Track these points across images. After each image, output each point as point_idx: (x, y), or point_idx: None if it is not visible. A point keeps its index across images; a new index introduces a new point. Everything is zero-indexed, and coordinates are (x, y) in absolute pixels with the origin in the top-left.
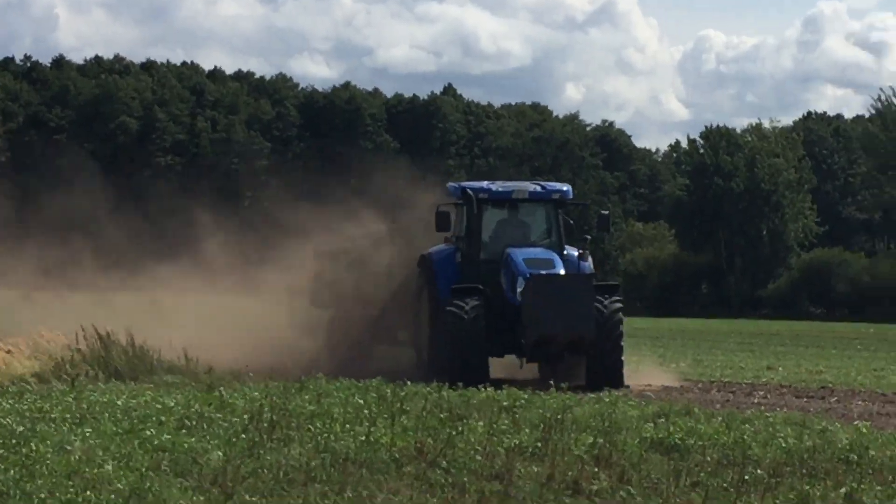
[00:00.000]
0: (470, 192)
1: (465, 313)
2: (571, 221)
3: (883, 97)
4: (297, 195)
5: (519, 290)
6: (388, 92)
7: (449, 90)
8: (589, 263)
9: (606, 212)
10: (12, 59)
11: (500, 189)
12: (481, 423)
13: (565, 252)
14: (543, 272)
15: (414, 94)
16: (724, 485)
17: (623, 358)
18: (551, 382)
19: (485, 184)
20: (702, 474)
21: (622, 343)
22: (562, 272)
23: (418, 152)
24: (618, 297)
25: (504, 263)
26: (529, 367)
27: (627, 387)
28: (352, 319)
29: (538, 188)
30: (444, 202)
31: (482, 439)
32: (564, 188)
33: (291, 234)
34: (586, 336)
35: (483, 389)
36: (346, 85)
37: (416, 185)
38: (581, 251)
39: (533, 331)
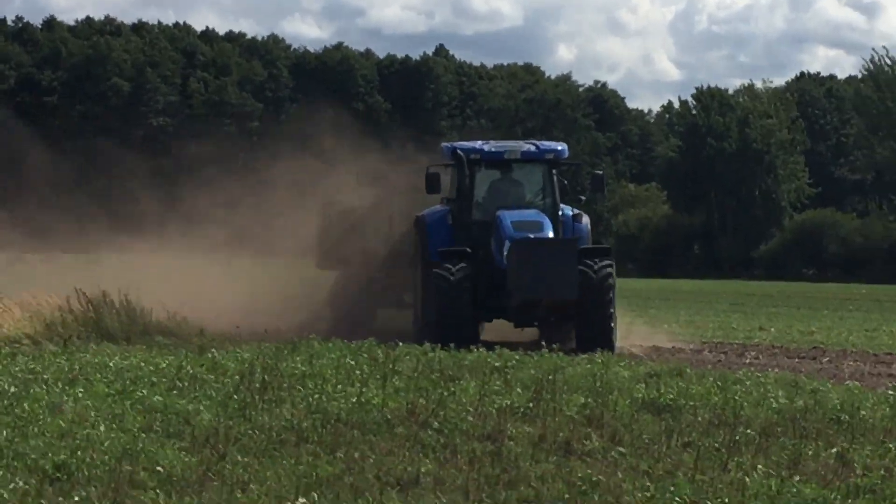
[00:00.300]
0: (461, 152)
1: (452, 276)
2: (566, 182)
3: (875, 58)
4: (292, 156)
5: (505, 253)
6: (380, 53)
7: (441, 51)
8: (585, 224)
9: (601, 172)
10: (3, 20)
11: (493, 149)
12: (473, 384)
13: (561, 212)
14: (532, 235)
15: (406, 55)
16: (716, 445)
17: (613, 324)
18: (542, 343)
19: (477, 144)
20: (693, 434)
21: (612, 307)
22: (550, 235)
23: (410, 113)
24: (608, 261)
25: (495, 226)
26: (531, 329)
27: (620, 348)
28: (357, 281)
29: (532, 148)
30: (436, 163)
31: (474, 400)
32: (559, 147)
33: (289, 196)
34: (570, 300)
35: (475, 350)
36: (338, 46)
37: (414, 146)
38: (577, 212)
39: (517, 295)
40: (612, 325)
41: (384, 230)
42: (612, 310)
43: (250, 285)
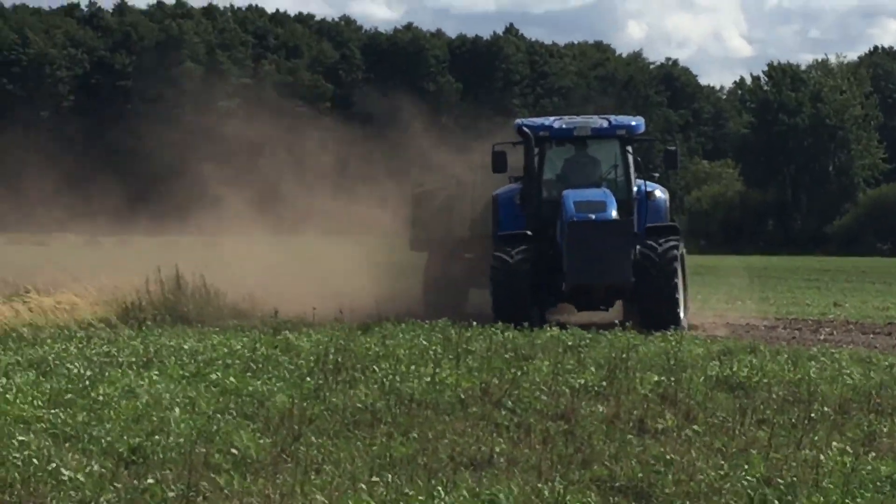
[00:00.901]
0: (527, 129)
1: (510, 260)
2: (639, 159)
3: None
4: (367, 137)
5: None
6: (451, 33)
7: (511, 30)
8: (661, 200)
9: (674, 147)
10: (77, 5)
11: (563, 126)
12: (546, 363)
13: (636, 188)
14: (593, 216)
15: (476, 35)
16: (791, 422)
17: (678, 296)
18: (616, 322)
19: (547, 120)
20: (768, 412)
21: (675, 282)
22: (613, 215)
23: (481, 93)
24: (674, 239)
25: (561, 206)
26: (615, 310)
27: (694, 326)
28: (448, 262)
29: (604, 124)
30: (504, 141)
31: (547, 379)
32: (632, 123)
33: (365, 177)
34: (624, 283)
35: (548, 330)
36: (409, 26)
37: (493, 123)
38: (651, 188)
39: (570, 279)
40: (678, 301)
41: (473, 210)
42: (677, 286)
43: (329, 267)
